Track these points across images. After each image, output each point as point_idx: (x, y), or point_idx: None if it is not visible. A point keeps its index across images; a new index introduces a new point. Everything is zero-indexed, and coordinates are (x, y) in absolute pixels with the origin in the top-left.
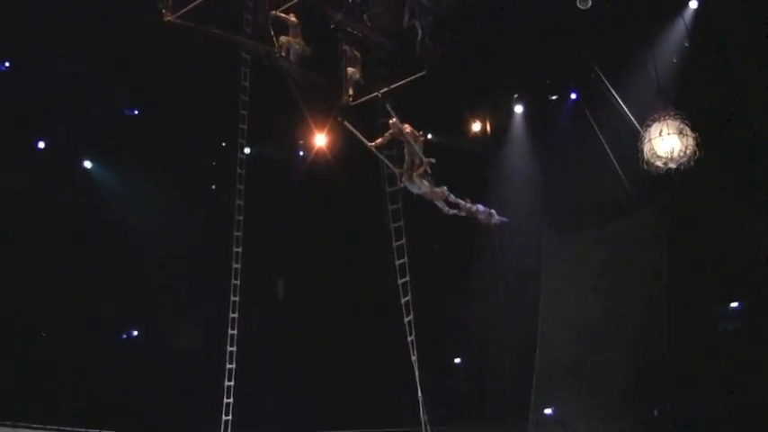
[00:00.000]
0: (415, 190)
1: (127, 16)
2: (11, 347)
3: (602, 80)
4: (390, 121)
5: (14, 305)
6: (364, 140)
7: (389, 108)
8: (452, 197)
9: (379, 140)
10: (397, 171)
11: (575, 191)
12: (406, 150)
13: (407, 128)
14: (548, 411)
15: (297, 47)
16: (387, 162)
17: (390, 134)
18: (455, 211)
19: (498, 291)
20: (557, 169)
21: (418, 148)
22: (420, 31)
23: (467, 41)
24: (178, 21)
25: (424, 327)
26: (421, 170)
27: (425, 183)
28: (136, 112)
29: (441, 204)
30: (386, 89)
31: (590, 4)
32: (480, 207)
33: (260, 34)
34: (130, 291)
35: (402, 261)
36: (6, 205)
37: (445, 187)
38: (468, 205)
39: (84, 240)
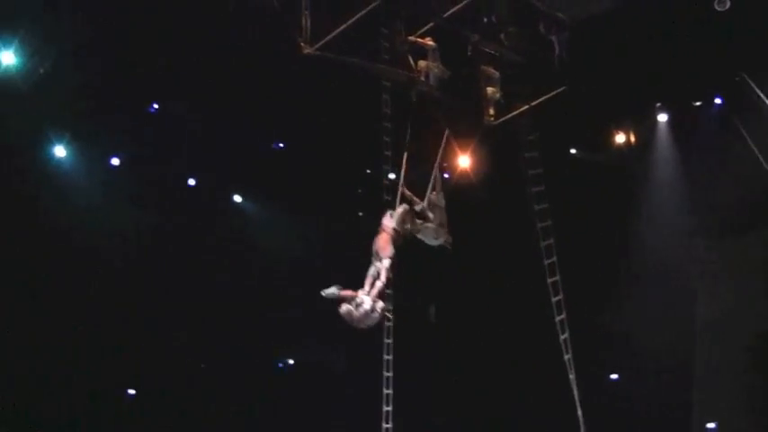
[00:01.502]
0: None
1: (267, 50)
2: (171, 379)
3: (748, 82)
4: None
5: (174, 338)
6: None
7: None
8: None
9: None
10: None
11: (726, 196)
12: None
13: None
14: (710, 426)
15: (436, 71)
16: None
17: None
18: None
19: (651, 303)
20: (705, 176)
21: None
22: (557, 47)
23: (605, 53)
24: (317, 52)
25: (578, 343)
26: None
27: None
28: (281, 146)
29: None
30: (526, 107)
31: (728, 5)
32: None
33: (398, 60)
34: (281, 320)
35: (554, 279)
36: (159, 241)
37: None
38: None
39: (235, 273)
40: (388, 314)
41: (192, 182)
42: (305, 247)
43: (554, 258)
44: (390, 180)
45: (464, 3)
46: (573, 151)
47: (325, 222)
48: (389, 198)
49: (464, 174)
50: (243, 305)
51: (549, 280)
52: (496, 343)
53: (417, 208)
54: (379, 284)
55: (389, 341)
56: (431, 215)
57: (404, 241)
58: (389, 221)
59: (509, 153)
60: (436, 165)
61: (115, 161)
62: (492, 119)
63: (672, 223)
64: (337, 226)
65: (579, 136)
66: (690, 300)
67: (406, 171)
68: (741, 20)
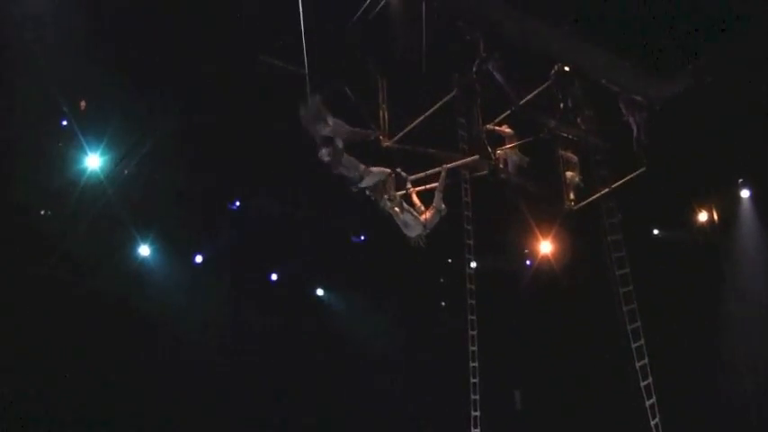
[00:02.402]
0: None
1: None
2: None
3: None
4: None
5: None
6: None
7: None
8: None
9: None
10: None
11: None
12: None
13: None
14: None
15: (515, 158)
16: None
17: None
18: None
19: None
20: None
21: None
22: (635, 128)
23: (683, 131)
24: (396, 145)
25: (668, 428)
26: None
27: None
28: (362, 239)
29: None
30: (607, 189)
31: None
32: None
33: (477, 149)
34: (368, 414)
35: (643, 362)
36: (243, 336)
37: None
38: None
39: (319, 367)
40: None
41: (274, 277)
42: (388, 338)
43: (641, 341)
44: (472, 269)
45: (539, 90)
46: (656, 232)
47: (407, 313)
48: (472, 287)
49: (546, 259)
50: (327, 399)
51: (638, 364)
52: (583, 429)
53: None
54: None
55: (477, 431)
56: (426, 212)
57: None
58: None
59: (591, 237)
60: (445, 167)
61: (198, 258)
62: (573, 203)
63: (758, 299)
64: (420, 316)
65: (661, 216)
66: None
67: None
68: None
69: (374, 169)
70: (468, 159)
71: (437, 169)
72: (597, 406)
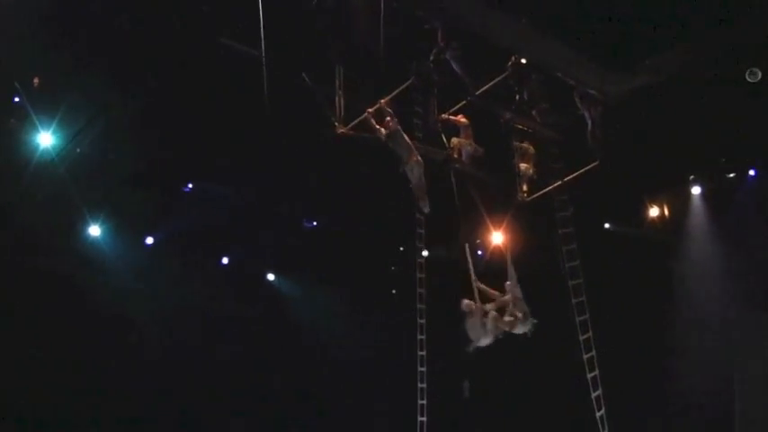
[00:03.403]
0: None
1: (300, 129)
2: None
3: None
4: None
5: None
6: None
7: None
8: None
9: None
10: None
11: (762, 266)
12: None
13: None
14: None
15: (469, 148)
16: None
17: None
18: None
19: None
20: (742, 249)
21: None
22: (590, 122)
23: (638, 127)
24: (351, 132)
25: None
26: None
27: None
28: (315, 224)
29: None
30: (560, 182)
31: (759, 76)
32: None
33: (431, 138)
34: (313, 399)
35: (590, 355)
36: (192, 319)
37: None
38: None
39: (269, 351)
40: None
41: (225, 260)
42: (338, 323)
43: (589, 333)
44: (423, 257)
45: (495, 81)
46: (607, 226)
47: (358, 299)
48: (422, 276)
49: (497, 250)
50: (275, 380)
51: (585, 356)
52: (530, 419)
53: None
54: None
55: (423, 419)
56: (516, 310)
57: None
58: (487, 339)
59: (543, 229)
60: (509, 257)
61: (149, 240)
62: (526, 195)
63: (709, 295)
64: (370, 303)
65: (613, 210)
66: (729, 372)
67: (472, 262)
68: None
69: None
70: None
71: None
72: (545, 396)
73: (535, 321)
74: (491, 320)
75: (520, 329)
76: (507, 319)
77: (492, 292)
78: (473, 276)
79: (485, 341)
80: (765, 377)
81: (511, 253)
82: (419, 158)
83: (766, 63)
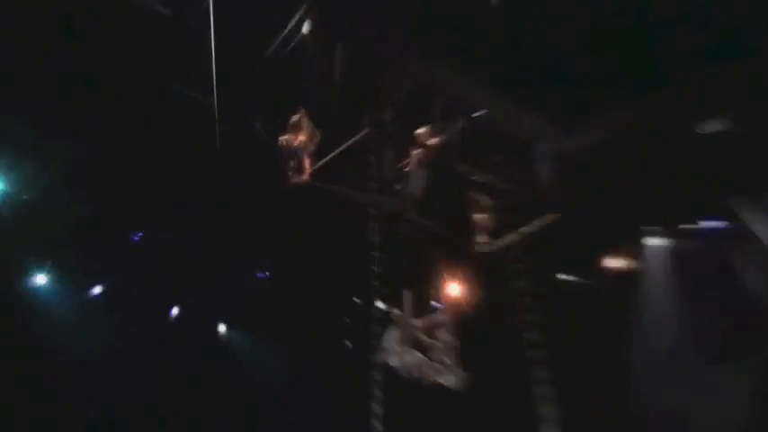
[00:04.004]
0: None
1: (253, 179)
2: None
3: (737, 206)
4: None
5: None
6: None
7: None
8: None
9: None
10: None
11: (717, 322)
12: None
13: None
14: None
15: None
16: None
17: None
18: None
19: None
20: (698, 301)
21: None
22: (545, 174)
23: (594, 180)
24: (304, 181)
25: None
26: None
27: None
28: (267, 274)
29: None
30: (517, 234)
31: (716, 128)
32: None
33: (386, 189)
34: None
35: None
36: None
37: None
38: None
39: (220, 402)
40: None
41: (175, 311)
42: (291, 376)
43: (547, 389)
44: (379, 310)
45: (449, 134)
46: (564, 277)
47: (312, 352)
48: (380, 329)
49: (454, 302)
50: None
51: (542, 410)
52: None
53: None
54: None
55: None
56: (444, 357)
57: None
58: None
59: (500, 281)
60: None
61: (96, 290)
62: (482, 247)
63: (666, 346)
64: (325, 356)
65: (570, 262)
66: (687, 424)
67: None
68: (727, 143)
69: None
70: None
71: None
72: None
73: (467, 375)
74: (416, 368)
75: (447, 380)
76: (435, 365)
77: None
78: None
79: (395, 360)
80: (718, 426)
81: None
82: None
83: (723, 115)
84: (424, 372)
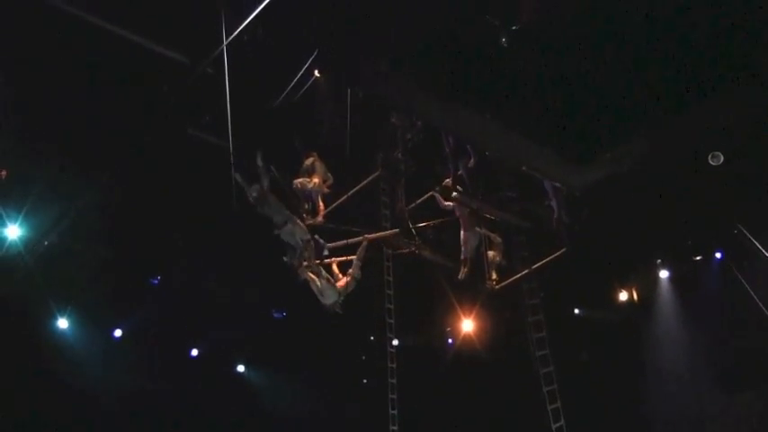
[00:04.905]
0: None
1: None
2: None
3: (746, 235)
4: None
5: None
6: None
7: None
8: None
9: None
10: None
11: (731, 349)
12: None
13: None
14: None
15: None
16: None
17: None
18: None
19: None
20: (710, 329)
21: None
22: (556, 209)
23: (604, 214)
24: (319, 222)
25: None
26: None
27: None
28: (284, 314)
29: None
30: (528, 270)
31: (722, 160)
32: None
33: (399, 227)
34: None
35: None
36: (163, 411)
37: None
38: None
39: None
40: None
41: (194, 352)
42: (309, 414)
43: (561, 422)
44: (393, 348)
45: (459, 172)
46: (576, 311)
47: (329, 390)
48: (393, 366)
49: (468, 338)
50: None
51: None
52: None
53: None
54: None
55: None
56: (342, 280)
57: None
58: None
59: (513, 316)
60: (368, 236)
61: (118, 332)
62: (495, 282)
63: (678, 378)
64: (342, 393)
65: (582, 295)
66: None
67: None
68: (736, 173)
69: (299, 222)
70: (389, 233)
71: (358, 239)
72: None
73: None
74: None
75: (327, 291)
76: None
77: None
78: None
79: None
80: None
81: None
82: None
83: (727, 147)
84: (317, 284)
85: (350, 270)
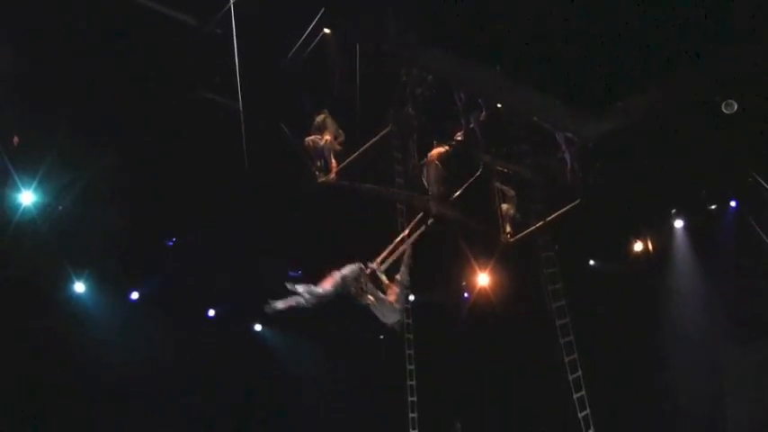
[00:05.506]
0: None
1: (282, 180)
2: None
3: (761, 183)
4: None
5: None
6: None
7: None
8: None
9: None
10: None
11: (747, 301)
12: None
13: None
14: None
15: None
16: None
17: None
18: None
19: (680, 411)
20: (725, 279)
21: None
22: (569, 162)
23: (617, 164)
24: (332, 180)
25: None
26: None
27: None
28: (300, 273)
29: None
30: (542, 222)
31: (735, 107)
32: None
33: (412, 183)
34: None
35: (580, 394)
36: (180, 372)
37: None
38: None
39: (260, 400)
40: None
41: (211, 313)
42: (327, 373)
43: (579, 373)
44: (410, 302)
45: (471, 125)
46: (592, 263)
47: (346, 348)
48: (409, 321)
49: (483, 292)
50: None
51: (575, 395)
52: None
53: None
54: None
55: None
56: (393, 291)
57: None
58: (346, 270)
59: (528, 269)
60: (409, 241)
61: (134, 295)
62: (509, 236)
63: (695, 328)
64: (358, 349)
65: (597, 247)
66: (720, 405)
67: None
68: (749, 121)
69: (345, 271)
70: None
71: (402, 247)
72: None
73: (400, 321)
74: (360, 269)
75: (380, 312)
76: (386, 303)
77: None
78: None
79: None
80: (755, 409)
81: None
82: None
83: (741, 95)
84: (361, 281)
85: (397, 276)
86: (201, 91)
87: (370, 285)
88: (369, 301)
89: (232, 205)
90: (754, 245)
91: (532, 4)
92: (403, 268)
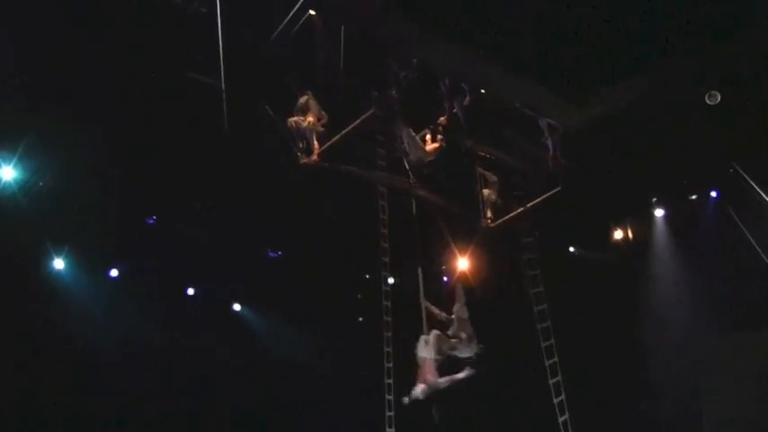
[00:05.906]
0: None
1: (264, 160)
2: None
3: (742, 174)
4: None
5: None
6: None
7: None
8: None
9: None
10: None
11: (727, 291)
12: None
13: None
14: None
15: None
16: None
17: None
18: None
19: (656, 400)
20: (705, 269)
21: None
22: (551, 148)
23: (599, 152)
24: (314, 161)
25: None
26: None
27: None
28: (280, 253)
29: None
30: (523, 208)
31: (719, 99)
32: None
33: (394, 166)
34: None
35: (556, 380)
36: (158, 351)
37: None
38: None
39: (238, 380)
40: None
41: (190, 291)
42: (305, 353)
43: (555, 359)
44: (390, 285)
45: (454, 110)
46: (572, 250)
47: (325, 328)
48: (388, 304)
49: (463, 276)
50: (243, 413)
51: (551, 381)
52: None
53: (449, 330)
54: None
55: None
56: (461, 331)
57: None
58: (429, 353)
59: (508, 254)
60: (456, 278)
61: (114, 272)
62: (490, 221)
63: (673, 318)
64: (337, 332)
65: (577, 234)
66: (696, 393)
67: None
68: (732, 112)
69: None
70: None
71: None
72: (512, 421)
73: (482, 346)
74: (434, 338)
75: (464, 352)
76: (452, 339)
77: (439, 312)
78: (422, 297)
79: (419, 391)
80: (732, 397)
81: (460, 277)
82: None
83: (724, 86)
84: (443, 348)
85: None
86: (185, 70)
87: (446, 342)
88: (455, 350)
89: (214, 184)
90: (734, 235)
91: None
92: (457, 304)
